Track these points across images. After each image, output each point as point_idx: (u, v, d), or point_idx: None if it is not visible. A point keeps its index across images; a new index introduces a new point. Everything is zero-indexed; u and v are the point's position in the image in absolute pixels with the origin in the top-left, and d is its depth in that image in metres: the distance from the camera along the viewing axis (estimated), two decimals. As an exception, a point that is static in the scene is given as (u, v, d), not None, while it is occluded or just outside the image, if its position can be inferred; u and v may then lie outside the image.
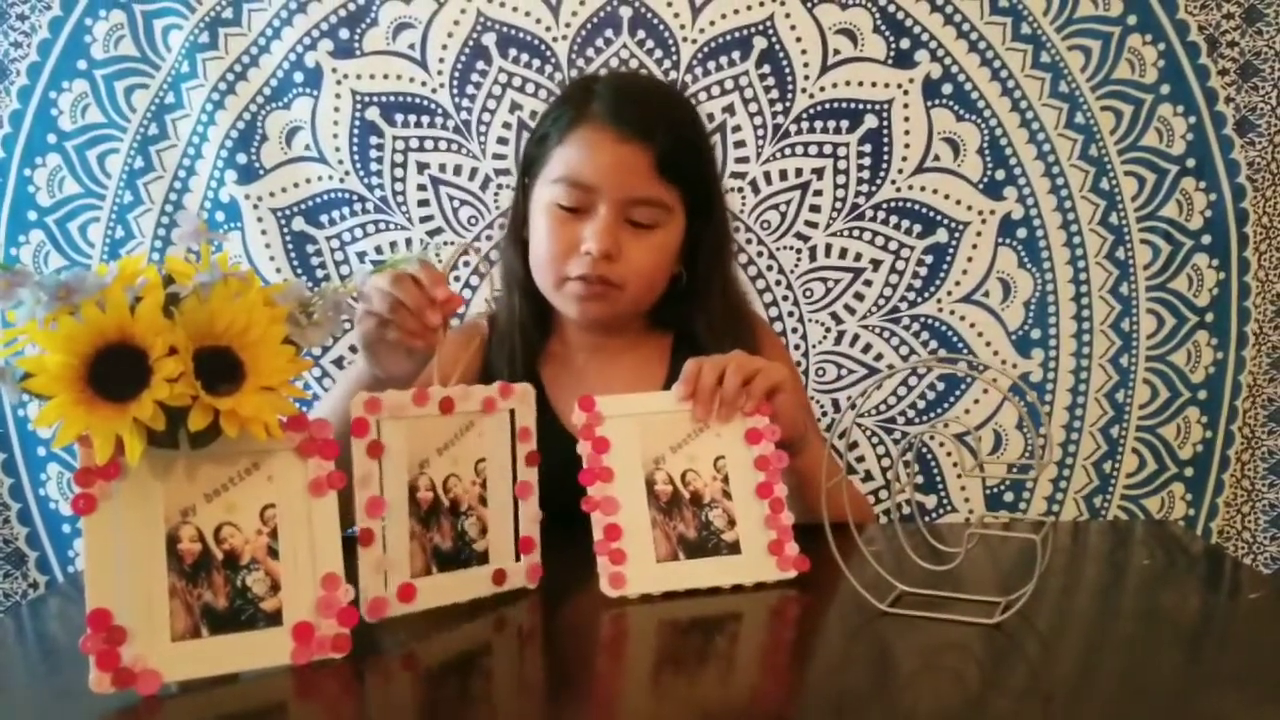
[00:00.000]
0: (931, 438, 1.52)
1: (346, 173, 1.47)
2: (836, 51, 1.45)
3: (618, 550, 0.87)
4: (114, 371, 0.64)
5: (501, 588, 0.86)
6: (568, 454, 0.92)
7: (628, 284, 1.11)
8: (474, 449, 0.86)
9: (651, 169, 1.09)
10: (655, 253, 1.13)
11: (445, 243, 1.48)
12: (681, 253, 1.17)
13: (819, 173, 1.48)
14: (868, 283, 1.50)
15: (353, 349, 1.50)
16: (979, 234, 1.49)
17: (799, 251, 1.50)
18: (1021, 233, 1.49)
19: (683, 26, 1.45)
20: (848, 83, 1.46)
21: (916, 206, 1.48)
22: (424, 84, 1.45)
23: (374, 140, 1.46)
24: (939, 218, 1.49)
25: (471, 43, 1.45)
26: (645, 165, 1.09)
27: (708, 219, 1.17)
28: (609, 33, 1.45)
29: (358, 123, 1.46)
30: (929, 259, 1.50)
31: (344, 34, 1.44)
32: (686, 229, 1.16)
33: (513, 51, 1.45)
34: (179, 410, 0.66)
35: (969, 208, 1.48)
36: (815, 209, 1.49)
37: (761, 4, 1.44)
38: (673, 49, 1.45)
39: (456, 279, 1.50)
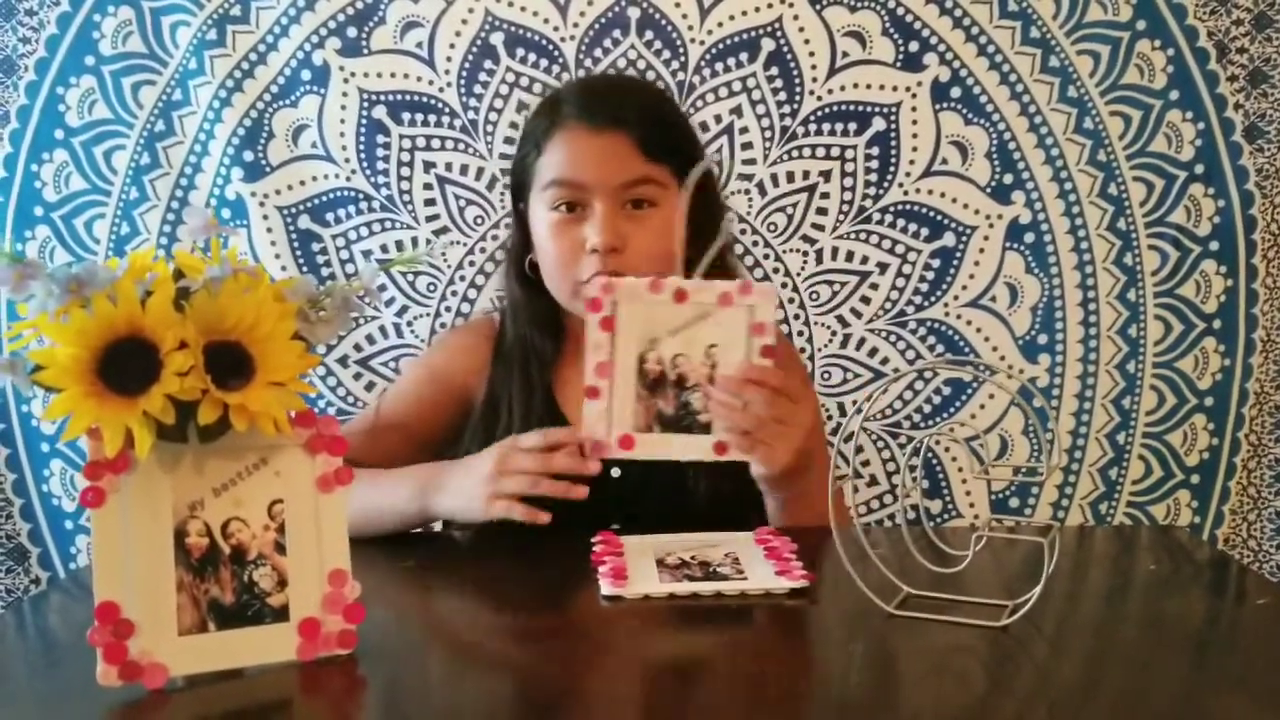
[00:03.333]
0: (937, 442, 1.52)
1: (353, 171, 1.47)
2: (845, 54, 1.45)
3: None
4: (124, 365, 0.64)
5: (723, 458, 0.96)
6: None
7: (638, 271, 1.10)
8: (707, 335, 0.96)
9: (635, 152, 1.10)
10: (660, 235, 1.10)
11: (452, 242, 1.48)
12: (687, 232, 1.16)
13: (826, 175, 1.48)
14: (874, 286, 1.50)
15: (357, 348, 1.50)
16: (986, 238, 1.48)
17: (805, 254, 1.50)
18: (1029, 237, 1.49)
19: (691, 28, 1.45)
20: (856, 85, 1.46)
21: (924, 210, 1.48)
22: (431, 83, 1.45)
23: (381, 139, 1.46)
24: (946, 221, 1.48)
25: (479, 42, 1.45)
26: (628, 150, 1.10)
27: (701, 198, 1.17)
28: (617, 33, 1.45)
29: (364, 121, 1.46)
30: (936, 263, 1.49)
31: (351, 32, 1.44)
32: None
33: (520, 51, 1.45)
34: (188, 404, 0.66)
35: (976, 212, 1.48)
36: (822, 211, 1.49)
37: (770, 5, 1.44)
38: (680, 50, 1.45)
39: (462, 278, 1.50)
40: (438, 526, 1.11)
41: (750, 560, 0.91)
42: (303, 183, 1.47)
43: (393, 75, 1.45)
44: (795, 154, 1.47)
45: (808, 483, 1.02)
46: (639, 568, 0.89)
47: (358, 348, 1.50)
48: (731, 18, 1.44)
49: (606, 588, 0.84)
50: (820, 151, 1.47)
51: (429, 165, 1.47)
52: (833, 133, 1.47)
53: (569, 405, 1.15)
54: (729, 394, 0.95)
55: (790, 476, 0.99)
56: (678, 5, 1.44)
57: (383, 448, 1.15)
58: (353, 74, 1.45)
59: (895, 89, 1.46)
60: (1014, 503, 1.55)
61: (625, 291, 0.95)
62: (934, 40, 1.45)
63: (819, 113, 1.46)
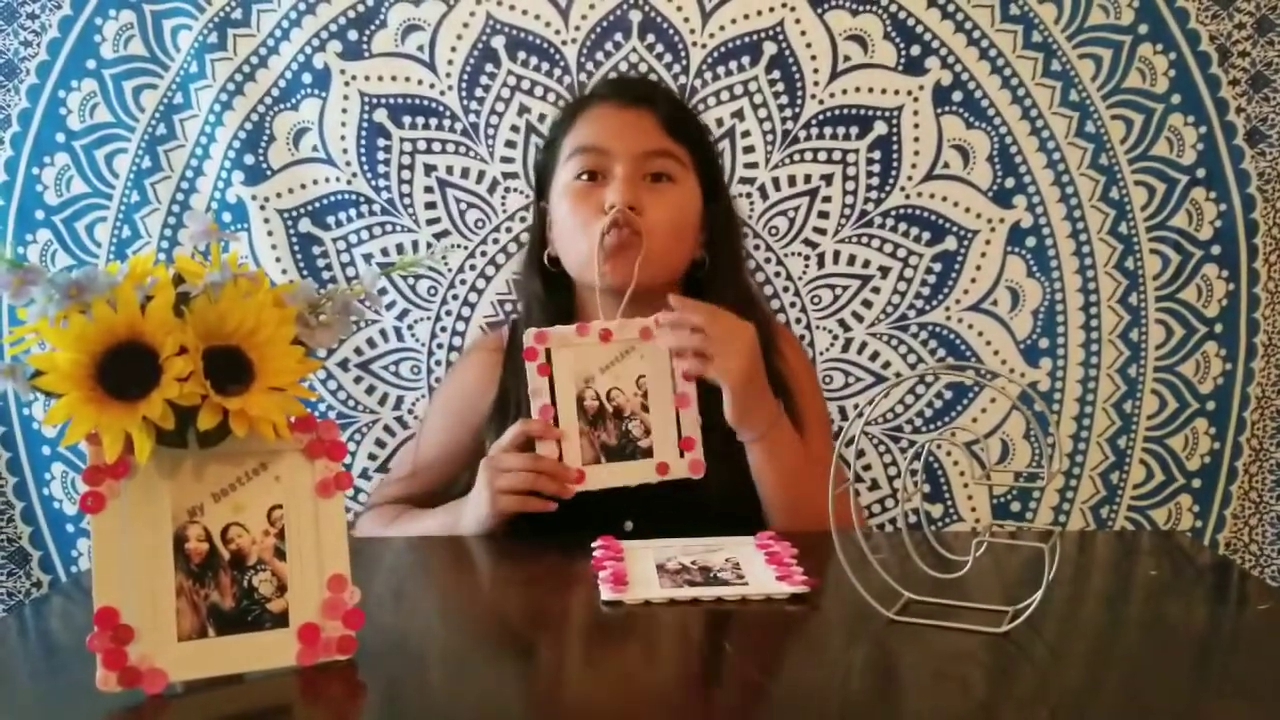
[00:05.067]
0: (939, 446, 1.52)
1: (354, 174, 1.47)
2: (846, 58, 1.45)
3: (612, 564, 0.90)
4: (124, 370, 0.64)
5: (666, 477, 1.05)
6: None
7: (653, 236, 1.12)
8: (635, 368, 1.06)
9: (659, 127, 1.16)
10: (675, 209, 1.16)
11: (453, 245, 1.48)
12: (701, 234, 1.20)
13: (828, 179, 1.48)
14: (876, 290, 1.50)
15: (358, 351, 1.50)
16: (988, 242, 1.48)
17: (807, 258, 1.50)
18: (1030, 241, 1.48)
19: (692, 31, 1.45)
20: (857, 89, 1.46)
21: (925, 214, 1.48)
22: (432, 86, 1.45)
23: (381, 142, 1.46)
24: (948, 225, 1.48)
25: (480, 45, 1.45)
26: (652, 124, 1.16)
27: (717, 201, 1.22)
28: (618, 36, 1.45)
29: (365, 124, 1.46)
30: (937, 267, 1.49)
31: (353, 35, 1.44)
32: (703, 209, 1.19)
33: (521, 55, 1.45)
34: (188, 409, 0.66)
35: (978, 215, 1.48)
36: (824, 215, 1.49)
37: (772, 9, 1.44)
38: (682, 53, 1.45)
39: (463, 282, 1.50)
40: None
41: (751, 565, 0.91)
42: (304, 186, 1.47)
43: (394, 78, 1.45)
44: (797, 158, 1.47)
45: (776, 413, 1.09)
46: (639, 573, 0.89)
47: (358, 351, 1.50)
48: (733, 21, 1.44)
49: (607, 593, 0.84)
50: (822, 155, 1.47)
51: (430, 168, 1.47)
52: (834, 136, 1.47)
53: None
54: (670, 327, 1.04)
55: (753, 397, 1.06)
56: (679, 9, 1.44)
57: (426, 485, 1.24)
58: (354, 77, 1.45)
59: (897, 93, 1.46)
60: (1015, 506, 1.55)
61: (556, 339, 1.04)
62: (936, 44, 1.44)
63: (820, 116, 1.46)
